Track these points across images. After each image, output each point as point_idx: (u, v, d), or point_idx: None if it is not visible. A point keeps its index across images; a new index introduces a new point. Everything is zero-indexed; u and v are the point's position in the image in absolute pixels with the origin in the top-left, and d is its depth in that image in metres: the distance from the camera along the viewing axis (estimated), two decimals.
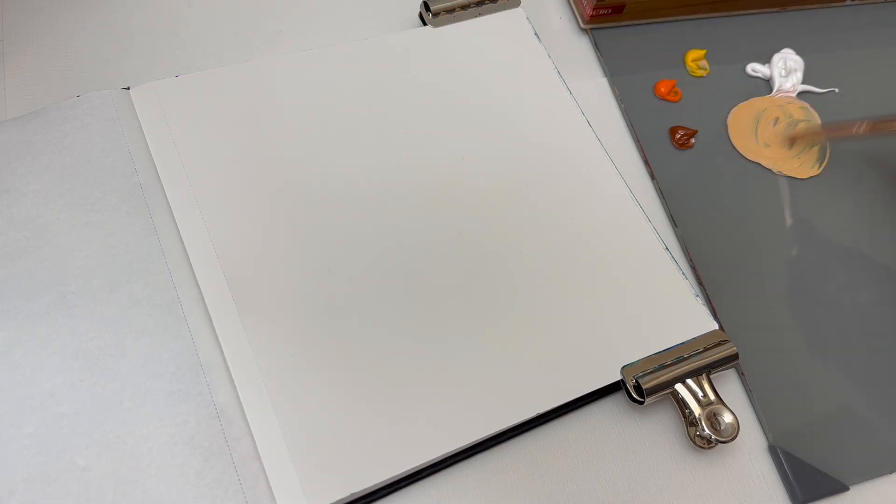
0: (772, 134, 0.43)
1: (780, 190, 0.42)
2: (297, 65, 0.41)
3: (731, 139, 0.43)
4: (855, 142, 0.43)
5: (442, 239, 0.37)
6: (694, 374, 0.35)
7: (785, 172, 0.42)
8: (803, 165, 0.43)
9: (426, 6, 0.43)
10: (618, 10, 0.45)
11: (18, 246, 0.34)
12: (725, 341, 0.35)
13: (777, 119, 0.44)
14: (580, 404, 0.35)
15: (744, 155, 0.43)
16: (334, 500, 0.30)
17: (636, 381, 0.34)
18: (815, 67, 0.46)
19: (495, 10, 0.44)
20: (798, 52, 0.47)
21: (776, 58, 0.46)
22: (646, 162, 0.42)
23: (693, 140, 0.43)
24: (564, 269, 0.37)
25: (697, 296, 0.37)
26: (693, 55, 0.45)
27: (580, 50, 0.46)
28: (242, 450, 0.31)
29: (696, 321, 0.36)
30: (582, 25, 0.46)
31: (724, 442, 0.33)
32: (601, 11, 0.45)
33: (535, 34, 0.44)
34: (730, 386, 0.37)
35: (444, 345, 0.34)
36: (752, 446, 0.35)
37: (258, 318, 0.33)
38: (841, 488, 0.34)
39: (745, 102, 0.45)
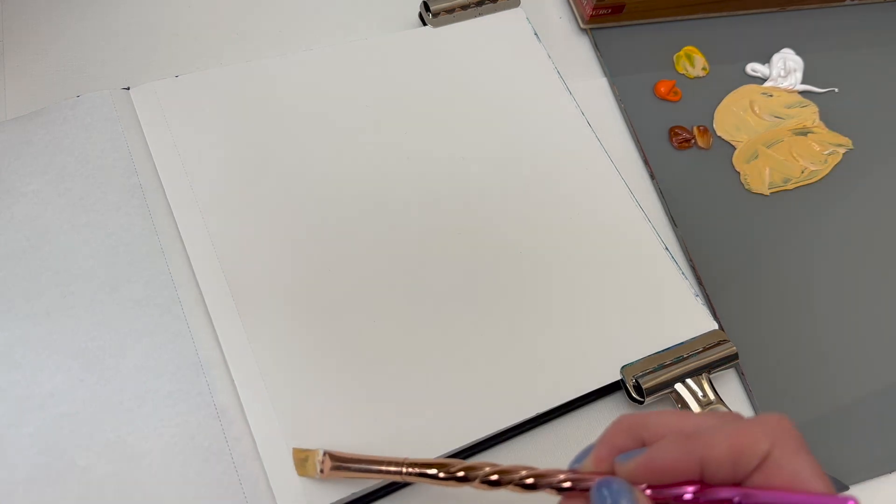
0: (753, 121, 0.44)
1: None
2: (297, 65, 0.41)
3: (717, 131, 0.43)
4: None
5: (441, 239, 0.37)
6: (694, 373, 0.35)
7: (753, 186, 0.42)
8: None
9: (426, 6, 0.43)
10: (618, 10, 0.45)
11: (18, 246, 0.34)
12: (725, 341, 0.35)
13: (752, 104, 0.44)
14: (580, 404, 0.35)
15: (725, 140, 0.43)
16: (334, 500, 0.30)
17: (636, 381, 0.34)
18: (814, 67, 0.46)
19: (495, 10, 0.44)
20: (798, 52, 0.47)
21: (776, 58, 0.46)
22: (646, 162, 0.42)
23: (693, 140, 0.43)
24: (564, 268, 0.37)
25: (697, 296, 0.37)
26: (683, 52, 0.45)
27: (580, 50, 0.46)
28: (242, 450, 0.31)
29: (695, 321, 0.36)
30: (582, 25, 0.46)
31: None
32: (601, 11, 0.45)
33: (535, 34, 0.44)
34: (730, 386, 0.37)
35: (443, 346, 0.34)
36: None
37: (258, 317, 0.33)
38: (841, 488, 0.34)
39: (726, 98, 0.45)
